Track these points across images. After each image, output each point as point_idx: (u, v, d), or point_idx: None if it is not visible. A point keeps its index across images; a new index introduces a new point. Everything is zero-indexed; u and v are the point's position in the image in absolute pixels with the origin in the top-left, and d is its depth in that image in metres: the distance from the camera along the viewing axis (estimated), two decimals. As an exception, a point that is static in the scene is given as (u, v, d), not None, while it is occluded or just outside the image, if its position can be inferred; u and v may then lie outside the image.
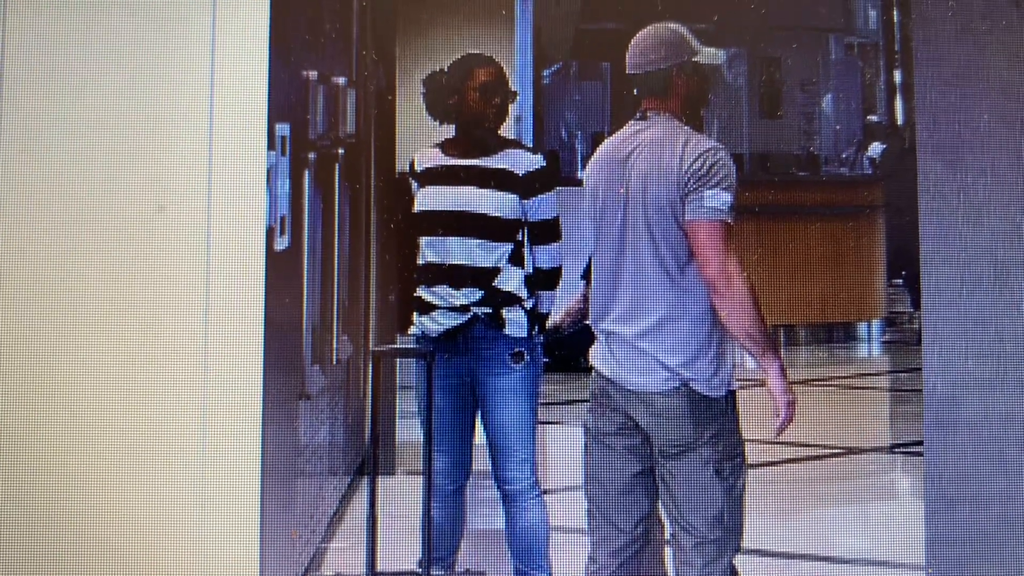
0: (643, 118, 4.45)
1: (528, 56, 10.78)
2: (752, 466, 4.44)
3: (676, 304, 4.30)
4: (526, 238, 5.16)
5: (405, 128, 7.82)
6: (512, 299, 5.11)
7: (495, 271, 5.10)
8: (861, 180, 13.44)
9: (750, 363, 4.36)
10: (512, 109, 5.33)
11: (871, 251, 12.33)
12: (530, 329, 5.12)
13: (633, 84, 4.48)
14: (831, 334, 12.44)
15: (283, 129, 5.16)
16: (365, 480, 6.71)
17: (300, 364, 5.73)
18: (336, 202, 6.60)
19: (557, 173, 7.24)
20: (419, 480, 5.14)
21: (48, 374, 4.57)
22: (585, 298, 4.82)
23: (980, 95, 4.50)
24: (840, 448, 8.55)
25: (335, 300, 6.62)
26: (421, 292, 5.19)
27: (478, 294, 5.09)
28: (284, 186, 5.22)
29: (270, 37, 4.64)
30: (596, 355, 4.47)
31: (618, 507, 4.41)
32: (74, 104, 4.60)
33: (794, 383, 4.27)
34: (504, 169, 5.11)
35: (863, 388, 11.13)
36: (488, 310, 5.09)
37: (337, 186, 6.62)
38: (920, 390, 4.57)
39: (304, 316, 5.77)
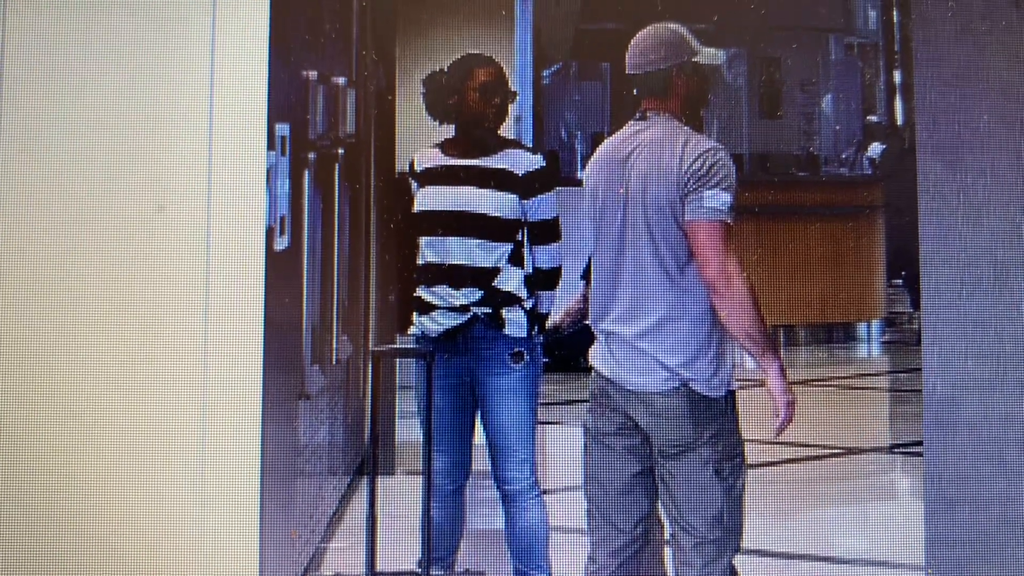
0: (643, 118, 4.45)
1: (528, 56, 10.78)
2: (752, 466, 4.44)
3: (676, 304, 4.30)
4: (526, 238, 5.16)
5: (405, 128, 7.82)
6: (512, 299, 5.11)
7: (495, 271, 5.10)
8: (861, 180, 13.44)
9: (750, 363, 4.36)
10: (512, 109, 5.33)
11: (871, 251, 12.33)
12: (530, 329, 5.12)
13: (633, 84, 4.48)
14: (831, 334, 12.44)
15: (283, 129, 5.16)
16: (365, 480, 6.71)
17: (300, 364, 5.73)
18: (336, 202, 6.60)
19: (557, 173, 7.24)
20: (419, 480, 5.14)
21: (48, 374, 4.57)
22: (585, 298, 4.82)
23: (980, 96, 4.50)
24: (840, 448, 8.55)
25: (335, 300, 6.63)
26: (421, 292, 5.19)
27: (478, 294, 5.09)
28: (284, 186, 5.22)
29: (270, 37, 4.64)
30: (596, 355, 4.47)
31: (618, 507, 4.41)
32: (74, 104, 4.61)
33: (794, 383, 4.27)
34: (504, 169, 5.11)
35: (863, 388, 11.13)
36: (488, 310, 5.09)
37: (337, 186, 6.62)
38: (920, 390, 4.57)
39: (304, 316, 5.77)
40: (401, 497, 6.68)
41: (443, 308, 5.12)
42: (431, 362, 5.09)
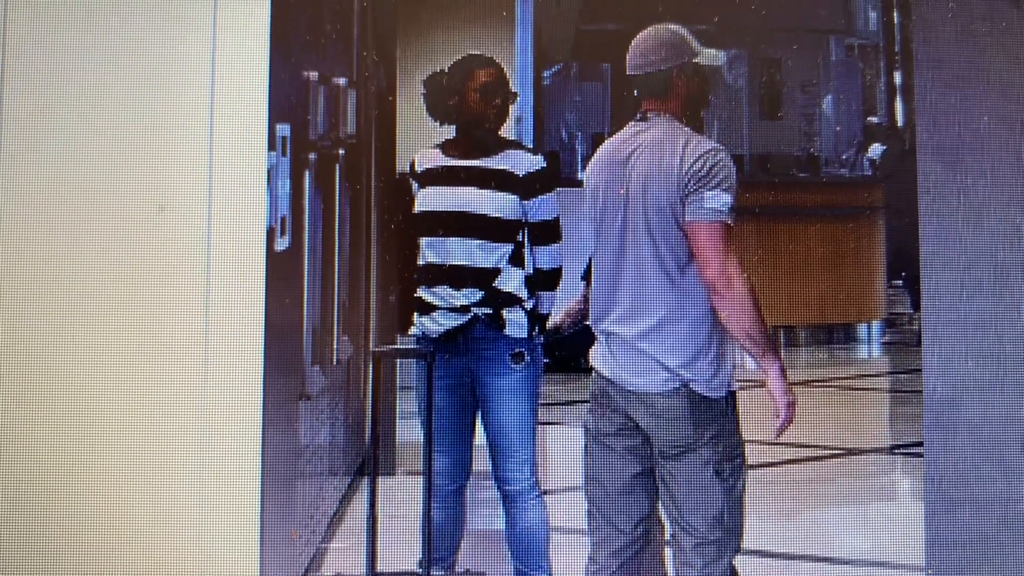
0: (643, 119, 4.45)
1: (528, 57, 10.78)
2: (752, 467, 4.45)
3: (676, 305, 4.31)
4: (526, 239, 5.16)
5: (405, 129, 7.82)
6: (512, 300, 5.11)
7: (495, 272, 5.10)
8: (861, 181, 13.44)
9: (750, 364, 4.36)
10: (512, 110, 5.33)
11: (871, 252, 12.33)
12: (530, 330, 5.12)
13: (633, 85, 4.49)
14: (831, 335, 12.44)
15: (284, 130, 5.16)
16: (365, 480, 6.71)
17: (300, 364, 5.73)
18: (337, 203, 6.60)
19: (557, 174, 7.25)
20: (419, 480, 5.15)
21: (49, 376, 4.57)
22: (585, 299, 4.82)
23: (980, 97, 4.51)
24: (840, 449, 8.55)
25: (335, 300, 6.63)
26: (421, 293, 5.19)
27: (478, 295, 5.09)
28: (285, 187, 5.22)
29: (271, 38, 4.65)
30: (596, 356, 4.47)
31: (618, 508, 4.41)
32: (75, 105, 4.61)
33: (794, 384, 4.28)
34: (504, 170, 5.11)
35: (863, 389, 11.13)
36: (488, 311, 5.09)
37: (338, 187, 6.62)
38: (920, 391, 4.57)
39: (304, 316, 5.77)
40: (402, 497, 6.69)
41: (444, 308, 5.12)
42: (432, 362, 5.09)
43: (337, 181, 6.61)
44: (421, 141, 5.35)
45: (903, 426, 9.48)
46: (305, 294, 5.76)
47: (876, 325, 12.60)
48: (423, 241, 5.18)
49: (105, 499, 4.56)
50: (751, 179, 12.89)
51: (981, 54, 4.51)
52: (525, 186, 5.10)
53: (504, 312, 5.09)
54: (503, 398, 5.10)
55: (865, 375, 11.88)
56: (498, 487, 5.17)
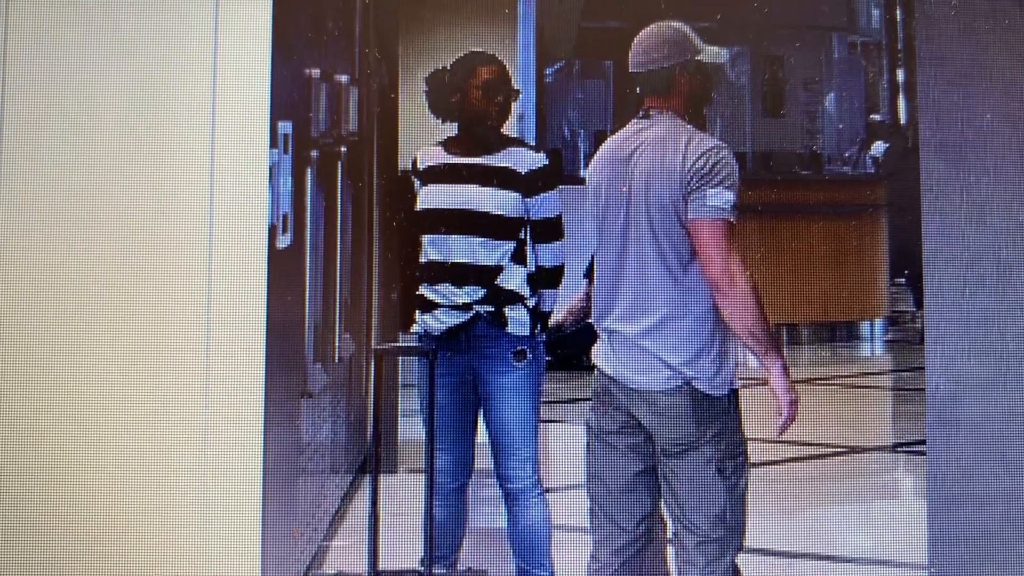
0: (646, 117, 4.45)
1: (531, 54, 10.77)
2: (754, 465, 4.44)
3: (679, 303, 4.30)
4: (528, 236, 5.16)
5: (408, 126, 7.82)
6: (514, 297, 5.11)
7: (498, 269, 5.10)
8: (864, 179, 13.43)
9: (753, 362, 4.36)
10: (515, 107, 5.32)
11: (874, 250, 12.33)
12: (532, 327, 5.12)
13: (636, 83, 4.48)
14: (834, 333, 12.44)
15: (285, 127, 5.16)
16: (367, 478, 6.71)
17: (302, 362, 5.73)
18: (338, 200, 6.60)
19: (560, 171, 7.24)
20: (421, 478, 5.14)
21: (50, 373, 4.57)
22: (587, 296, 4.81)
23: (983, 94, 4.50)
24: (842, 447, 8.55)
25: (337, 298, 6.63)
26: (423, 290, 5.19)
27: (480, 292, 5.09)
28: (286, 184, 5.22)
29: (273, 35, 4.64)
30: (598, 353, 4.46)
31: (620, 506, 4.41)
32: (77, 102, 4.61)
33: (796, 382, 4.27)
34: (507, 167, 5.10)
35: (865, 387, 11.12)
36: (490, 308, 5.09)
37: (340, 184, 6.62)
38: (922, 389, 4.57)
39: (306, 314, 5.77)
40: (403, 495, 6.68)
41: (446, 306, 5.12)
42: (434, 360, 5.08)
43: (339, 178, 6.61)
44: (423, 138, 5.35)
45: (905, 424, 9.48)
46: (307, 291, 5.76)
47: (879, 323, 12.59)
48: (425, 239, 5.18)
49: (106, 496, 4.56)
50: (754, 177, 12.89)
51: (984, 52, 4.50)
52: (527, 184, 5.09)
53: (506, 310, 5.09)
54: (505, 396, 5.10)
55: (868, 373, 11.87)
56: (500, 485, 5.17)
